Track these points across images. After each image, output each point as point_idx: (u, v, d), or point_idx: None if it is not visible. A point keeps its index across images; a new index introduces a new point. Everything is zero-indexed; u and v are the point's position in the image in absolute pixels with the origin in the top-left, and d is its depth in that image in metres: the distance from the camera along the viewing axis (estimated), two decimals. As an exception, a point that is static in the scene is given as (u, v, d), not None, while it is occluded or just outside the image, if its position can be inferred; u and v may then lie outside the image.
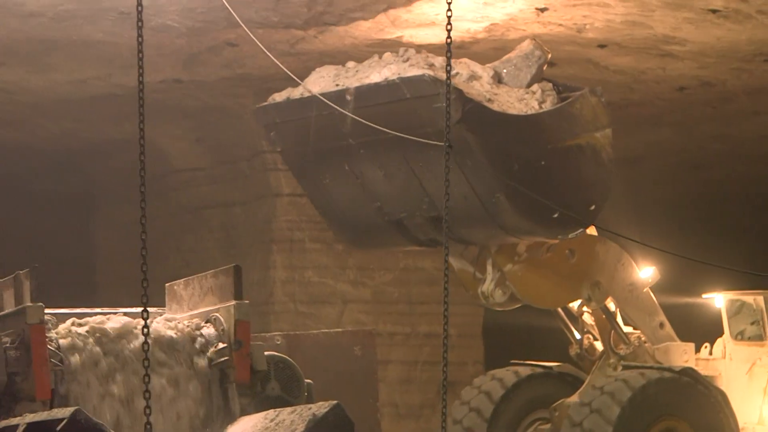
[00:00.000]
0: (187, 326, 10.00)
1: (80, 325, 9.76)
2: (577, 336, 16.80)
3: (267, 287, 20.41)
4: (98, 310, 10.54)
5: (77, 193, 25.53)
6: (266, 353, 10.01)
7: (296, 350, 11.56)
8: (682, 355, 16.91)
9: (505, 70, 14.28)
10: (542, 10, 15.23)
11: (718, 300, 18.23)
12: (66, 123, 21.26)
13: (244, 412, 9.69)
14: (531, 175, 13.77)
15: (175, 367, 9.67)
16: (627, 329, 16.79)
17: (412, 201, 14.20)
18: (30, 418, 7.65)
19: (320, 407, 8.44)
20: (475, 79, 13.93)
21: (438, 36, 15.95)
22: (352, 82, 13.91)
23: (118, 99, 18.81)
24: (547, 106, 14.04)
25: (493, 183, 13.65)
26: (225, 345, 9.80)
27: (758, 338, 17.80)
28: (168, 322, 10.11)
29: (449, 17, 9.32)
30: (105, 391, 9.41)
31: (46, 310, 9.41)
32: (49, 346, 9.22)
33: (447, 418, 9.41)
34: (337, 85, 14.01)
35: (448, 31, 9.36)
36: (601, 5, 15.06)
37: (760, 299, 17.74)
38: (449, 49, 9.48)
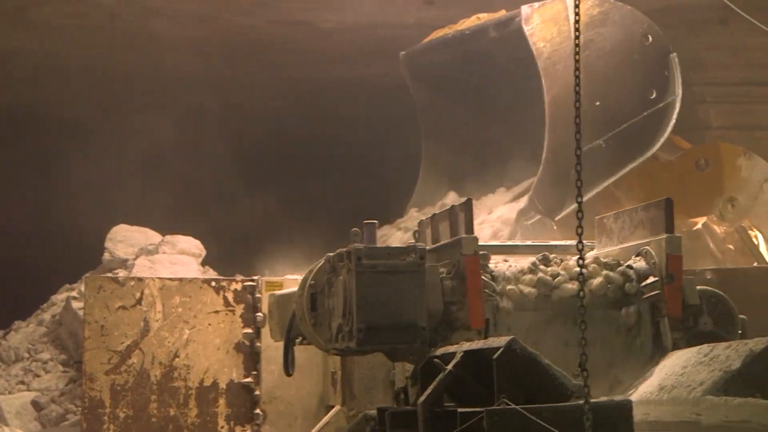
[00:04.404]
0: (618, 260, 10.00)
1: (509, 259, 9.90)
2: None
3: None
4: (529, 242, 10.70)
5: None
6: (698, 287, 9.86)
7: (728, 286, 11.28)
8: None
9: None
10: None
11: None
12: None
13: (676, 347, 9.59)
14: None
15: (607, 297, 9.69)
16: None
17: None
18: (467, 346, 7.81)
19: (757, 343, 8.21)
20: None
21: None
22: None
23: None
24: None
25: None
26: (656, 278, 9.72)
27: None
28: (597, 256, 10.14)
29: None
30: (538, 323, 9.54)
31: (480, 242, 9.60)
32: (483, 277, 9.41)
33: None
34: None
35: None
36: None
37: None
38: None
